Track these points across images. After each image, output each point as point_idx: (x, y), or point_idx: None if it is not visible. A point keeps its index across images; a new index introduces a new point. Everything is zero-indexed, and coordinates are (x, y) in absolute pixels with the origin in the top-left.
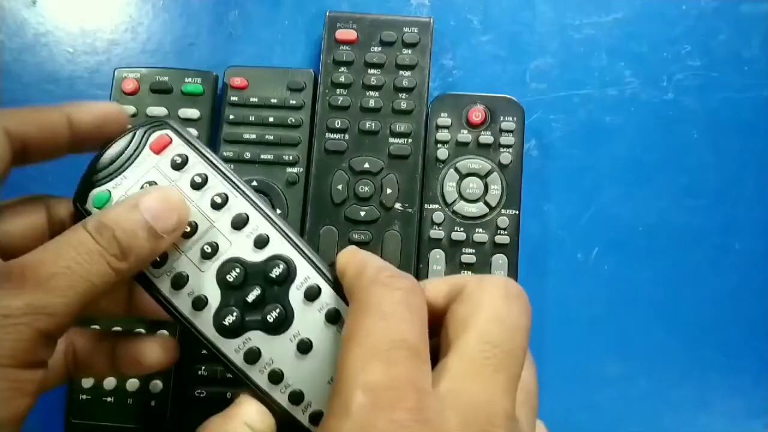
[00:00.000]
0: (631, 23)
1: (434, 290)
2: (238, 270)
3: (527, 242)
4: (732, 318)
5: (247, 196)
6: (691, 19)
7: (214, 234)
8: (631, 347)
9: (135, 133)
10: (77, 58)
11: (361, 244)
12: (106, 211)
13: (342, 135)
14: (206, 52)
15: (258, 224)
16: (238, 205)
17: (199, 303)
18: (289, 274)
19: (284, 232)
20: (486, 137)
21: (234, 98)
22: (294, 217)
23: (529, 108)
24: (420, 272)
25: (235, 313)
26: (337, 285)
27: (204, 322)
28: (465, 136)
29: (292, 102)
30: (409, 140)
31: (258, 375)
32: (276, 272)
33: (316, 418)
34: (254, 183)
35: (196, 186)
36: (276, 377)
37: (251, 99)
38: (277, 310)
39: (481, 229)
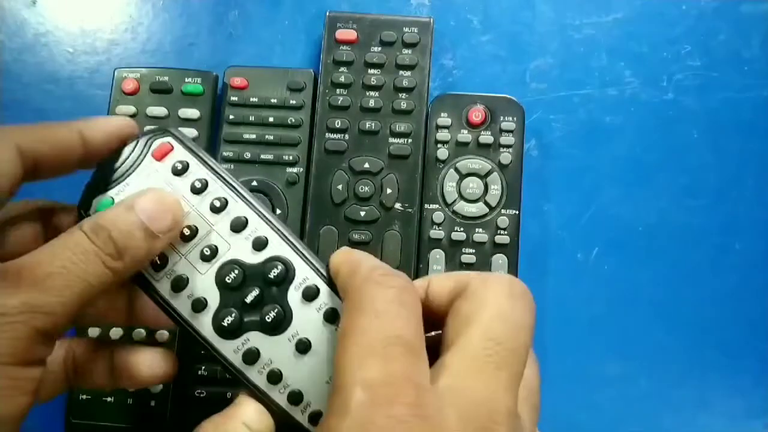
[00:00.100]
0: (631, 23)
1: (438, 286)
2: (236, 271)
3: (527, 242)
4: (732, 318)
5: (247, 200)
6: (691, 19)
7: (214, 237)
8: (631, 347)
9: (137, 142)
10: (77, 58)
11: (361, 244)
12: (102, 213)
13: (342, 135)
14: (206, 52)
15: (257, 227)
16: (237, 208)
17: (199, 305)
18: (288, 274)
19: (283, 234)
20: (486, 137)
21: (234, 98)
22: (294, 217)
23: (529, 108)
24: (420, 272)
25: (233, 314)
26: (335, 285)
27: (203, 324)
28: (465, 136)
29: (292, 102)
30: (409, 140)
31: (257, 375)
32: (274, 273)
33: (315, 418)
34: (254, 183)
35: (197, 191)
36: (275, 377)
37: (251, 99)
38: (276, 311)
39: (481, 229)
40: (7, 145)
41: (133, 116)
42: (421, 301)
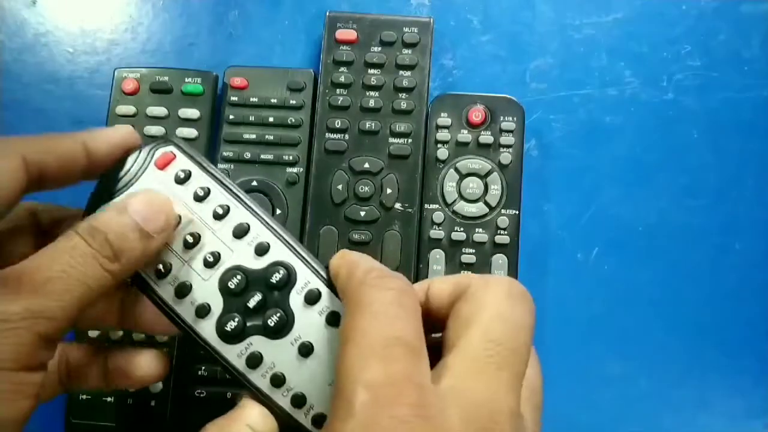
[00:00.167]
0: (631, 23)
1: (438, 289)
2: (239, 277)
3: (527, 242)
4: (732, 318)
5: (248, 206)
6: (691, 19)
7: (217, 243)
8: (631, 347)
9: (140, 152)
10: (77, 58)
11: (361, 244)
12: (96, 216)
13: (342, 135)
14: (206, 52)
15: (258, 232)
16: (239, 215)
17: (202, 311)
18: (290, 279)
19: (284, 239)
20: (486, 137)
21: (234, 98)
22: (294, 217)
23: (529, 108)
24: (420, 272)
25: (236, 319)
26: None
27: (206, 329)
28: (465, 136)
29: (292, 102)
30: (409, 140)
31: (260, 379)
32: (276, 278)
33: (319, 420)
34: (254, 183)
35: (199, 198)
36: (278, 381)
37: (251, 99)
38: (278, 315)
39: (481, 229)
40: (12, 155)
41: (133, 116)
42: (422, 304)
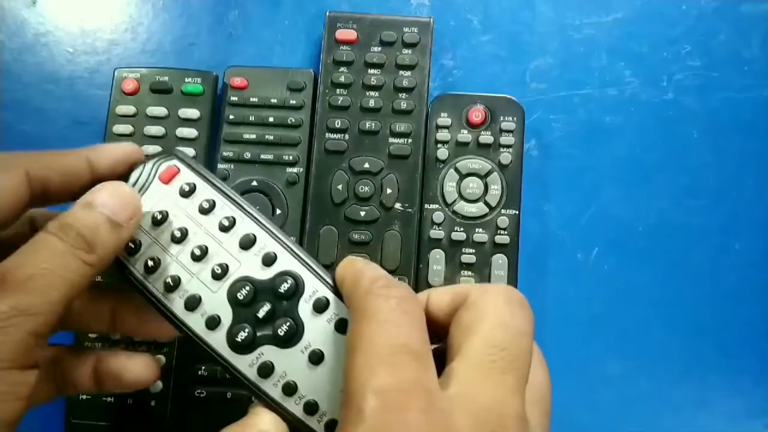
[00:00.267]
0: (631, 23)
1: (438, 299)
2: (248, 288)
3: (527, 242)
4: (732, 318)
5: (254, 216)
6: (691, 19)
7: (224, 255)
8: (631, 347)
9: (144, 166)
10: (77, 58)
11: (361, 244)
12: (64, 214)
13: (342, 135)
14: (206, 52)
15: (265, 243)
16: (245, 226)
17: (212, 322)
18: (298, 288)
19: (290, 248)
20: (486, 137)
21: (234, 98)
22: (294, 217)
23: (529, 108)
24: (420, 272)
25: (247, 330)
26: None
27: (217, 340)
28: (465, 136)
29: (292, 102)
30: (409, 140)
31: (272, 388)
32: (284, 287)
33: (332, 426)
34: (254, 183)
35: (205, 211)
36: (290, 389)
37: (251, 99)
38: (288, 324)
39: (481, 229)
40: (15, 170)
41: (133, 116)
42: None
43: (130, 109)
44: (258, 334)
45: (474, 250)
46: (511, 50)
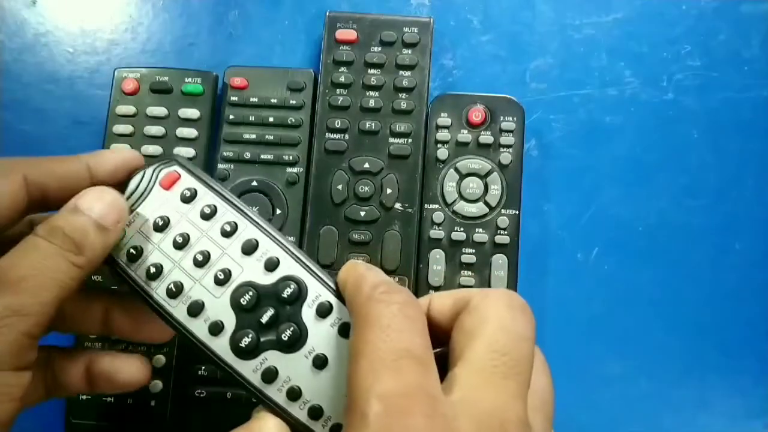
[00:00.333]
0: (631, 23)
1: (439, 304)
2: (251, 293)
3: (527, 242)
4: (732, 318)
5: (255, 221)
6: (691, 19)
7: (226, 261)
8: (631, 347)
9: (144, 173)
10: (77, 58)
11: (361, 244)
12: (53, 218)
13: (342, 135)
14: (206, 52)
15: (267, 248)
16: (247, 231)
17: (216, 328)
18: (301, 293)
19: (293, 253)
20: (486, 137)
21: (234, 98)
22: (294, 217)
23: (529, 108)
24: (420, 272)
25: (250, 335)
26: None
27: (221, 346)
28: (465, 136)
29: (292, 102)
30: (409, 140)
31: (276, 393)
32: (287, 292)
33: (336, 430)
34: (254, 183)
35: (206, 216)
36: (294, 394)
37: (251, 99)
38: (291, 329)
39: (481, 229)
40: (13, 175)
41: (133, 116)
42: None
43: (130, 109)
44: (262, 339)
45: (474, 250)
46: (511, 50)
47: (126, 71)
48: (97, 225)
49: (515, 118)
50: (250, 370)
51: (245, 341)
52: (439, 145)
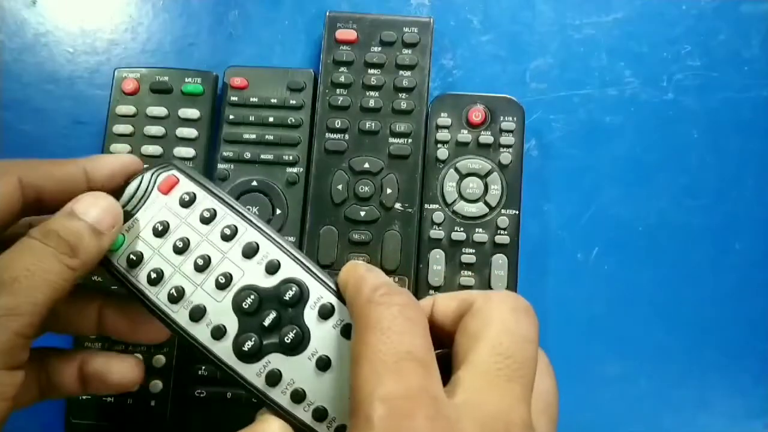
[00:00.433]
0: (631, 23)
1: (443, 306)
2: (252, 297)
3: (527, 242)
4: (732, 318)
5: (255, 224)
6: (691, 19)
7: (227, 264)
8: (631, 347)
9: (143, 177)
10: (77, 58)
11: (361, 244)
12: (48, 221)
13: (342, 135)
14: (206, 52)
15: (268, 251)
16: (247, 234)
17: (218, 332)
18: (302, 295)
19: (293, 255)
20: (486, 137)
21: (234, 98)
22: (294, 217)
23: (529, 108)
24: (420, 272)
25: (253, 338)
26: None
27: (224, 350)
28: (465, 136)
29: (292, 102)
30: (409, 140)
31: (280, 396)
32: (289, 295)
33: (342, 431)
34: (254, 183)
35: (206, 221)
36: (298, 396)
37: (251, 99)
38: (294, 331)
39: (481, 229)
40: (8, 178)
41: (133, 116)
42: (427, 319)
43: (130, 109)
44: (264, 342)
45: (474, 250)
46: (511, 50)
47: (126, 71)
48: (92, 229)
49: (515, 118)
50: (253, 373)
51: (248, 345)
52: (439, 145)
